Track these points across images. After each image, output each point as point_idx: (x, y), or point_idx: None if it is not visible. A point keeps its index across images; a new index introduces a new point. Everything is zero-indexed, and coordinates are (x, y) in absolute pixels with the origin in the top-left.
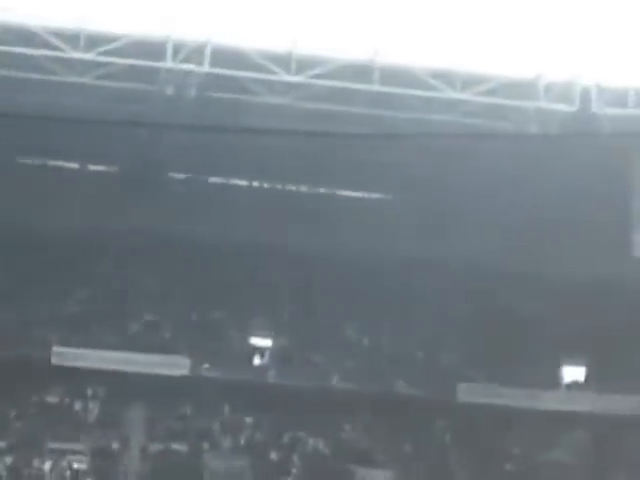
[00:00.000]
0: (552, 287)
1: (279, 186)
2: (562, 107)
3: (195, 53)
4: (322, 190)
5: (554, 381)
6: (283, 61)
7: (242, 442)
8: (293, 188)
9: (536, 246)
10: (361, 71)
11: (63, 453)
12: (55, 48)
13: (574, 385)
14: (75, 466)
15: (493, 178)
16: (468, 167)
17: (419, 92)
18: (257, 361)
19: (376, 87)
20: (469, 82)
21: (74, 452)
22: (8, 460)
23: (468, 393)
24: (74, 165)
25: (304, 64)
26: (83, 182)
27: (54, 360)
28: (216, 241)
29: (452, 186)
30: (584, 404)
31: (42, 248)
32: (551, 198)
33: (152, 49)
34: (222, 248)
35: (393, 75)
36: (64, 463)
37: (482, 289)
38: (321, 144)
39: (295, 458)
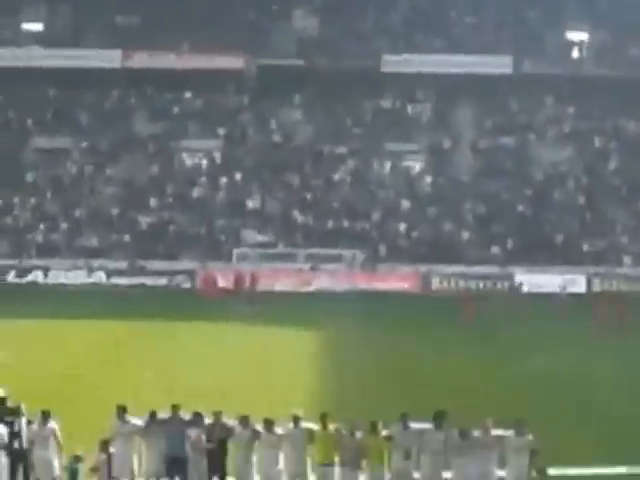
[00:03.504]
0: None
1: None
2: None
3: None
4: None
5: None
6: None
7: (566, 131)
8: None
9: None
10: None
11: (400, 154)
12: None
13: None
14: (411, 165)
15: None
16: None
17: None
18: (575, 54)
19: None
20: None
21: (410, 152)
22: (350, 164)
23: None
24: None
25: None
26: None
27: (384, 67)
28: None
29: None
30: None
31: None
32: None
33: None
34: None
35: None
36: (402, 163)
37: None
38: None
39: (615, 144)
